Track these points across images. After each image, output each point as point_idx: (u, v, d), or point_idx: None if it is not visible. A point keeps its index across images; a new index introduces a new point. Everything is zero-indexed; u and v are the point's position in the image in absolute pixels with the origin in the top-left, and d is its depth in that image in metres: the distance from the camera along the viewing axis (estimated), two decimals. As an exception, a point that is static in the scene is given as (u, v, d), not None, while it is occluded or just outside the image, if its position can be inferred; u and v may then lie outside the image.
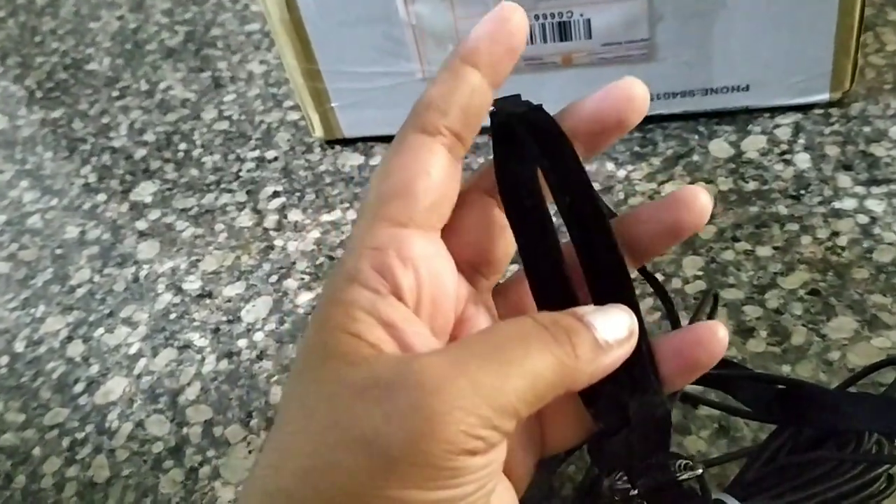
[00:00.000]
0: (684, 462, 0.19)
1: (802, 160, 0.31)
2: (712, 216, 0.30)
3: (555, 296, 0.18)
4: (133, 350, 0.31)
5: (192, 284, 0.33)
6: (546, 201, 0.18)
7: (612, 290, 0.17)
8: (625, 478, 0.22)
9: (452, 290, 0.18)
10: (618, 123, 0.18)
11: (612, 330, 0.16)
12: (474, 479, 0.15)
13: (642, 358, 0.17)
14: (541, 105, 0.18)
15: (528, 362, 0.15)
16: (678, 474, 0.19)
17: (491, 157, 0.19)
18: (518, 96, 0.19)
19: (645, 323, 0.18)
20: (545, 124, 0.18)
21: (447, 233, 0.18)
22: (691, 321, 0.25)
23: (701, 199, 0.18)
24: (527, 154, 0.18)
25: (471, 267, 0.19)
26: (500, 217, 0.19)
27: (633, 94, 0.17)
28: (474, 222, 0.18)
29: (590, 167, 0.33)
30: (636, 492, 0.19)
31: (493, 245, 0.18)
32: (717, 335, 0.17)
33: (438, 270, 0.17)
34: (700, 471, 0.19)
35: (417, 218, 0.16)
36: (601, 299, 0.17)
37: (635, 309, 0.17)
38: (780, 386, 0.22)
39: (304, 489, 0.14)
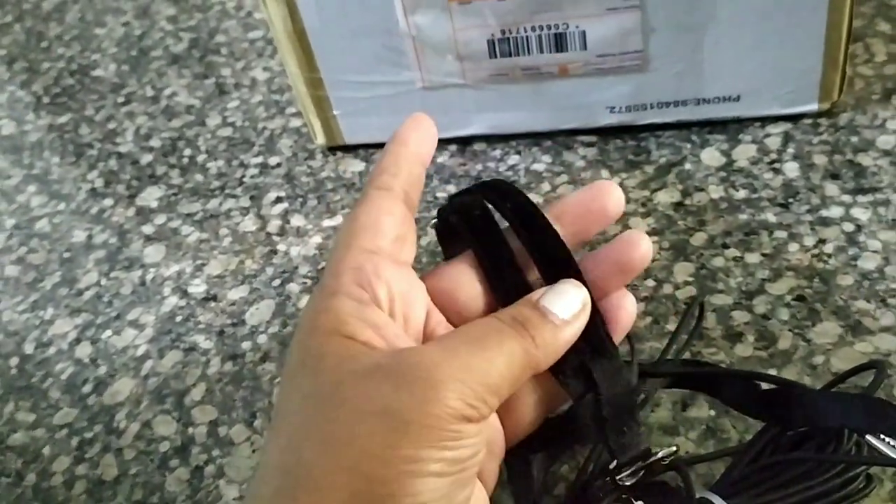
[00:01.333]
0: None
1: (791, 169, 0.31)
2: (704, 223, 0.30)
3: (510, 285, 0.21)
4: (140, 352, 0.32)
5: (198, 288, 0.33)
6: (494, 219, 0.22)
7: (559, 269, 0.20)
8: (617, 477, 0.23)
9: (421, 310, 0.21)
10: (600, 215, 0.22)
11: (566, 306, 0.19)
12: (471, 443, 0.17)
13: (596, 326, 0.20)
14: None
15: (505, 350, 0.18)
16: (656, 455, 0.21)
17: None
18: None
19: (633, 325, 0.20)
20: (501, 186, 0.23)
21: (430, 279, 0.22)
22: (678, 327, 0.26)
23: (643, 242, 0.21)
24: (472, 192, 0.23)
25: (446, 306, 0.22)
26: (473, 278, 0.22)
27: (611, 192, 0.22)
28: (455, 272, 0.22)
29: (586, 174, 0.34)
30: (616, 461, 0.21)
31: (467, 297, 0.22)
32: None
33: (408, 291, 0.20)
34: (674, 448, 0.21)
35: (385, 248, 0.20)
36: (552, 280, 0.20)
37: (583, 282, 0.20)
38: (763, 386, 0.23)
39: (327, 460, 0.16)
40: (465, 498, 0.17)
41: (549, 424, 0.22)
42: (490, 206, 0.22)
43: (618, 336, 0.21)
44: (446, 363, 0.17)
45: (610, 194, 0.22)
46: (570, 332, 0.19)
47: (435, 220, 0.24)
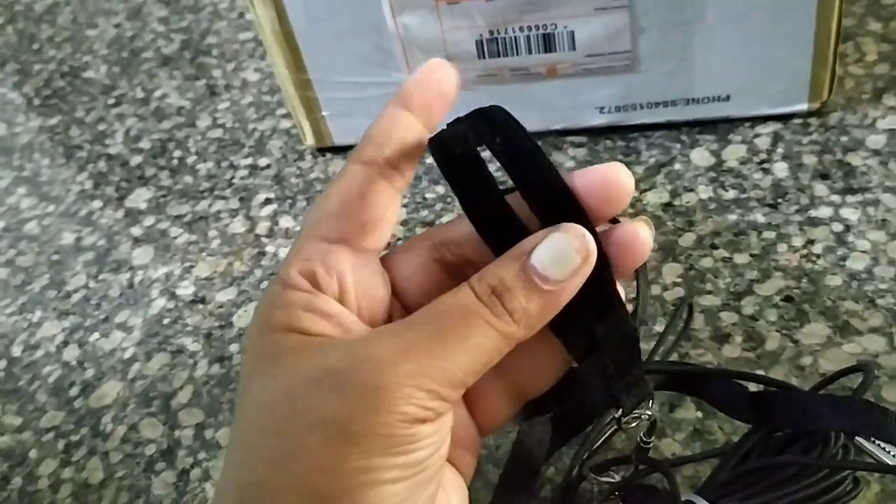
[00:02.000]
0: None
1: (780, 169, 0.31)
2: (693, 223, 0.30)
3: (501, 238, 0.17)
4: (127, 354, 0.31)
5: (186, 290, 0.33)
6: (480, 156, 0.17)
7: (559, 212, 0.17)
8: (604, 480, 0.23)
9: (383, 303, 0.19)
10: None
11: (562, 263, 0.16)
12: (429, 443, 0.16)
13: (603, 281, 0.17)
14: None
15: (471, 341, 0.16)
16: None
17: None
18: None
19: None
20: (494, 116, 0.18)
21: (389, 268, 0.19)
22: (666, 329, 0.26)
23: (640, 235, 0.18)
24: (467, 134, 0.18)
25: (403, 299, 0.20)
26: (434, 269, 0.19)
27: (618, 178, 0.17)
28: (412, 266, 0.19)
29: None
30: (621, 410, 0.19)
31: (424, 287, 0.19)
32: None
33: (367, 281, 0.18)
34: (651, 414, 0.20)
35: (348, 236, 0.18)
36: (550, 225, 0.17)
37: (588, 225, 0.17)
38: (751, 388, 0.23)
39: (277, 476, 0.15)
40: (430, 495, 0.17)
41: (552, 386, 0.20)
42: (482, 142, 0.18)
43: (623, 274, 0.18)
44: (397, 364, 0.15)
45: (615, 186, 0.17)
46: (565, 295, 0.16)
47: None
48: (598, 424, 0.23)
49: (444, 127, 0.19)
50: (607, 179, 0.18)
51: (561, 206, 0.17)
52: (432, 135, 0.18)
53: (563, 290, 0.16)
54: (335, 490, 0.15)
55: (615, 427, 0.22)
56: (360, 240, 0.18)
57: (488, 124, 0.18)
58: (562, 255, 0.16)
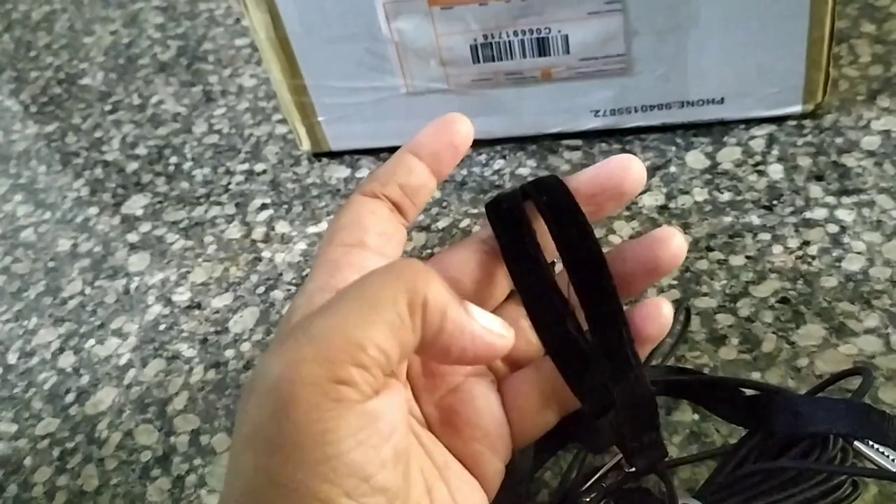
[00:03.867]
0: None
1: (775, 171, 0.31)
2: (688, 226, 0.30)
3: (534, 286, 0.19)
4: (123, 361, 0.31)
5: (182, 296, 0.33)
6: (534, 229, 0.20)
7: (589, 277, 0.19)
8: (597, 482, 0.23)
9: None
10: (615, 193, 0.20)
11: (488, 320, 0.17)
12: (355, 441, 0.15)
13: (623, 345, 0.18)
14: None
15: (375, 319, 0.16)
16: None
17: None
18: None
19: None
20: (546, 181, 0.20)
21: (437, 269, 0.19)
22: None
23: (676, 240, 0.19)
24: (517, 193, 0.20)
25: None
26: (488, 262, 0.20)
27: (630, 166, 0.20)
28: (462, 261, 0.20)
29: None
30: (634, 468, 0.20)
31: (478, 283, 0.20)
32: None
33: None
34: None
35: (367, 242, 0.19)
36: (581, 285, 0.19)
37: (616, 304, 0.18)
38: (749, 392, 0.22)
39: (226, 496, 0.16)
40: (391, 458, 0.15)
41: (565, 429, 0.21)
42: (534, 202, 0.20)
43: (645, 349, 0.20)
44: (293, 354, 0.15)
45: (627, 170, 0.19)
46: (482, 341, 0.17)
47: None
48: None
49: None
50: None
51: (591, 271, 0.19)
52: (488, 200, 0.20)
53: (486, 336, 0.17)
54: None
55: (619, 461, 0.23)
56: (377, 246, 0.19)
57: (542, 189, 0.20)
58: (490, 318, 0.18)
